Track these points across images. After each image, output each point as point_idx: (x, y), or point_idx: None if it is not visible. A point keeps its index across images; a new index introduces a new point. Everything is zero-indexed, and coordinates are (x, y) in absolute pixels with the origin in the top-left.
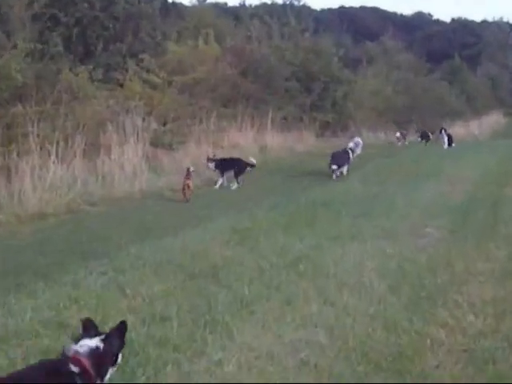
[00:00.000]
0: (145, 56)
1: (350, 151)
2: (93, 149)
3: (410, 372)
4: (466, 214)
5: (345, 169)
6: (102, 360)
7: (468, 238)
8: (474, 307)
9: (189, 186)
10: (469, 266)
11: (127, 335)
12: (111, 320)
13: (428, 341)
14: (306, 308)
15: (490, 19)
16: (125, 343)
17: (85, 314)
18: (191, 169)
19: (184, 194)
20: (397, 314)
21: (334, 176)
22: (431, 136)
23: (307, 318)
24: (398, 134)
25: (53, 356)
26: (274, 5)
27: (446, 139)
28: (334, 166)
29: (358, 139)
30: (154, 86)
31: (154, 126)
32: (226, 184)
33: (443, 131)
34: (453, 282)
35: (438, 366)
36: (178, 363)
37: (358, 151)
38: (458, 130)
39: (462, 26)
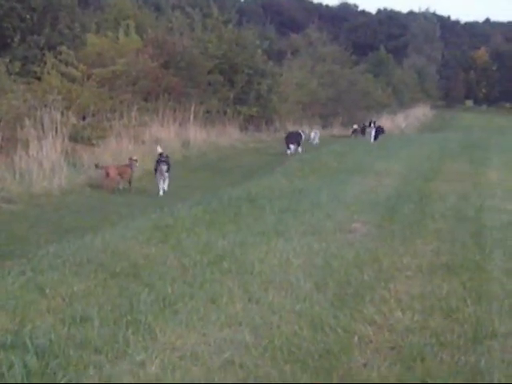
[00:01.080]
0: (63, 48)
1: (302, 133)
2: (10, 144)
3: (337, 370)
4: (393, 209)
5: (299, 148)
6: None
7: (395, 234)
8: (401, 303)
9: (108, 175)
10: (396, 261)
11: (47, 336)
12: (30, 321)
13: (355, 338)
14: (230, 306)
15: (416, 10)
16: None
17: (3, 315)
18: (134, 157)
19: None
20: (323, 311)
21: (289, 152)
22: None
23: (232, 317)
24: (355, 126)
25: None
26: None
27: (373, 132)
28: (292, 145)
29: (316, 130)
30: (72, 80)
31: (73, 120)
32: None
33: (372, 124)
34: (380, 277)
35: (365, 364)
36: (99, 365)
37: (317, 140)
38: (384, 122)
39: (387, 17)
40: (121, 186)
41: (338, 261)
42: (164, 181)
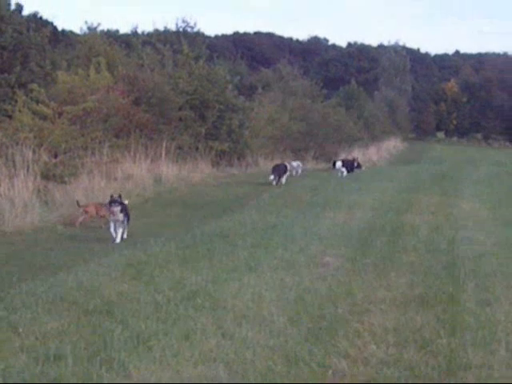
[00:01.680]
0: (34, 86)
1: (287, 165)
2: None
3: None
4: (365, 243)
5: (283, 178)
6: None
7: (368, 267)
8: (375, 336)
9: (87, 211)
10: (369, 294)
11: (20, 375)
12: (3, 360)
13: (330, 372)
14: (204, 343)
15: (386, 43)
16: None
17: None
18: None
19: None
20: (297, 345)
21: (274, 183)
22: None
23: (206, 353)
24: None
25: None
26: (166, 32)
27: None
28: (272, 177)
29: (298, 162)
30: (44, 117)
31: (45, 158)
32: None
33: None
34: (354, 311)
35: None
36: None
37: (299, 171)
38: (355, 155)
39: (358, 50)
40: (102, 225)
41: (312, 295)
42: (119, 225)
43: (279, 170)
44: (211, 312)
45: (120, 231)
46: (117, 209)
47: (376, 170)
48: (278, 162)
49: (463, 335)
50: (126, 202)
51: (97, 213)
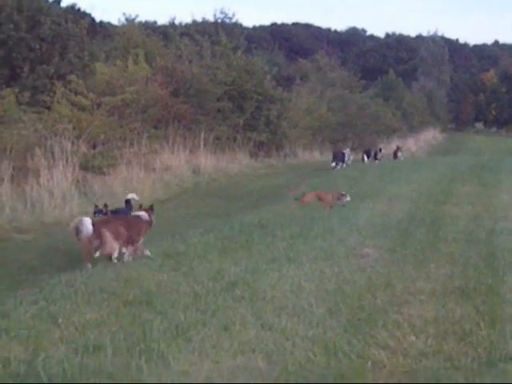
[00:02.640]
0: (73, 77)
1: (346, 153)
2: (20, 174)
3: None
4: (405, 234)
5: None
6: None
7: (408, 258)
8: (414, 327)
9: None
10: (409, 285)
11: (60, 365)
12: (43, 351)
13: (369, 363)
14: (243, 333)
15: (424, 34)
16: None
17: (16, 345)
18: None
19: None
20: (336, 336)
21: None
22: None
23: (245, 344)
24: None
25: None
26: (204, 23)
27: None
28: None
29: (348, 150)
30: (82, 109)
31: (84, 149)
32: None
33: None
34: (393, 302)
35: None
36: None
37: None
38: (394, 147)
39: (396, 41)
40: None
41: (351, 286)
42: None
43: (338, 157)
44: (250, 303)
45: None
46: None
47: (415, 160)
48: (336, 149)
49: (503, 327)
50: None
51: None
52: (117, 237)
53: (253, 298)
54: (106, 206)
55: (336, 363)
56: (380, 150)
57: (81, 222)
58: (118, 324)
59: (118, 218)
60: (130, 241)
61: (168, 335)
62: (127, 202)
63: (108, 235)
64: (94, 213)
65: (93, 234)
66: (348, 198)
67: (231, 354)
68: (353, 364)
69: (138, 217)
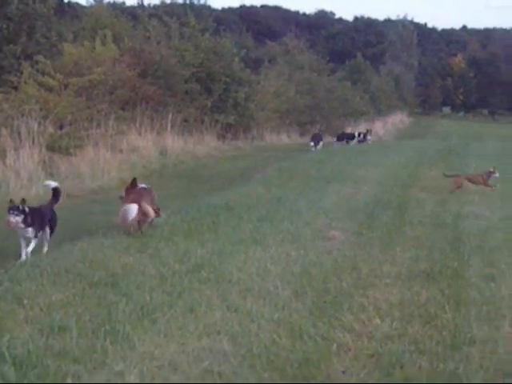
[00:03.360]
0: (40, 58)
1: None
2: None
3: (316, 378)
4: (371, 217)
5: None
6: None
7: (374, 241)
8: (380, 311)
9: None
10: (375, 268)
11: (25, 346)
12: (8, 331)
13: (334, 346)
14: (209, 315)
15: (393, 18)
16: None
17: None
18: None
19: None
20: (302, 319)
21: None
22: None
23: (210, 326)
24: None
25: None
26: (173, 4)
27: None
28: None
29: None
30: (49, 89)
31: (51, 130)
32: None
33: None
34: (358, 285)
35: (344, 372)
36: (78, 375)
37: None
38: (362, 130)
39: (365, 24)
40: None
41: (317, 268)
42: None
43: (317, 139)
44: (216, 285)
45: (26, 245)
46: (16, 219)
47: (382, 144)
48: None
49: (468, 310)
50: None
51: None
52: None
53: (219, 280)
54: (23, 201)
55: (301, 346)
56: (369, 132)
57: (127, 211)
58: (83, 305)
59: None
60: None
61: (133, 317)
62: (55, 189)
63: (151, 210)
64: (9, 209)
65: (137, 215)
66: (497, 174)
67: (196, 335)
68: (318, 347)
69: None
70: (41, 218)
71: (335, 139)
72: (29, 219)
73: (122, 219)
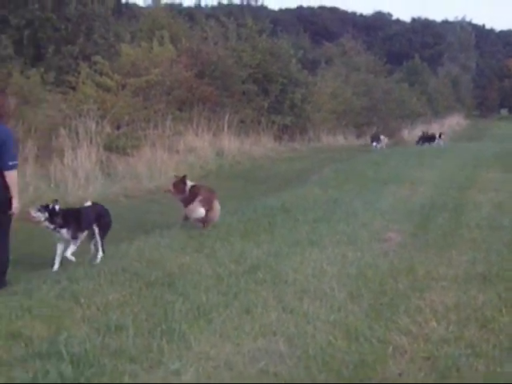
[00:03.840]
0: (98, 58)
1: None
2: (45, 154)
3: (372, 380)
4: (427, 219)
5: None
6: None
7: (430, 243)
8: (436, 313)
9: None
10: (431, 271)
11: (82, 345)
12: (65, 330)
13: (390, 348)
14: (265, 316)
15: (450, 19)
16: None
17: (38, 324)
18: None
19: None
20: (358, 321)
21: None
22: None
23: (266, 327)
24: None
25: (5, 368)
26: (230, 5)
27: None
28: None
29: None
30: (107, 89)
31: (108, 130)
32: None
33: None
34: (415, 287)
35: (400, 374)
36: (134, 374)
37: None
38: (418, 132)
39: (422, 25)
40: None
41: (373, 270)
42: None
43: (376, 138)
44: (272, 286)
45: (64, 249)
46: (37, 214)
47: (438, 146)
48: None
49: None
50: (89, 203)
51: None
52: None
53: (275, 281)
54: (55, 201)
55: (357, 347)
56: (440, 136)
57: (195, 211)
58: (139, 305)
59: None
60: None
61: (190, 317)
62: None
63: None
64: (43, 208)
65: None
66: None
67: (252, 336)
68: (374, 349)
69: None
70: (79, 219)
71: (417, 140)
72: (58, 219)
73: (194, 214)
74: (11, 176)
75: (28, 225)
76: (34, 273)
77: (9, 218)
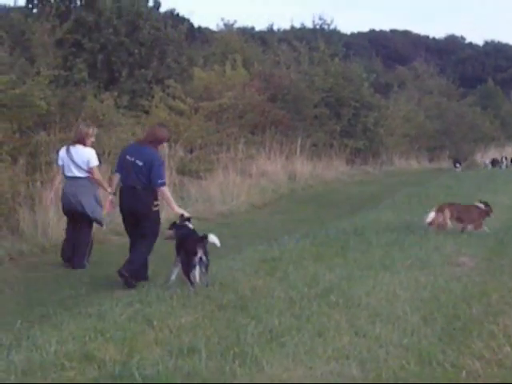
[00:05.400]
0: (171, 82)
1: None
2: None
3: None
4: (501, 243)
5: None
6: None
7: (504, 268)
8: (510, 338)
9: None
10: (505, 295)
11: (155, 368)
12: (138, 352)
13: (463, 373)
14: (337, 340)
15: None
16: None
17: (111, 346)
18: None
19: None
20: (431, 345)
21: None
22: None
23: (339, 350)
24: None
25: None
26: (303, 29)
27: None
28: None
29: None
30: (180, 113)
31: (181, 153)
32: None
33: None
34: (488, 312)
35: None
36: None
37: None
38: (491, 155)
39: (495, 49)
40: None
41: (446, 294)
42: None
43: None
44: (345, 309)
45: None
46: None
47: None
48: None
49: None
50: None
51: None
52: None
53: (347, 304)
54: (188, 219)
55: (430, 372)
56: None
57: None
58: (212, 328)
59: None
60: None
61: (262, 340)
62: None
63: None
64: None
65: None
66: None
67: (325, 360)
68: (447, 373)
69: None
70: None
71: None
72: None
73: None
74: (162, 191)
75: (103, 247)
76: (107, 294)
77: (158, 228)
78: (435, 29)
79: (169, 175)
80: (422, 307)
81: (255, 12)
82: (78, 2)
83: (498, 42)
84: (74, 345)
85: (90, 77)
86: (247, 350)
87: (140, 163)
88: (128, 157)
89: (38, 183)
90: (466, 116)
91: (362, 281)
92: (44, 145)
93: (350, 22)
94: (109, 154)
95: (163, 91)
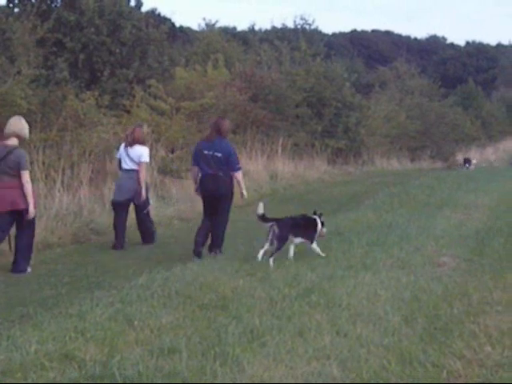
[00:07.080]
0: (152, 82)
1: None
2: (99, 176)
3: None
4: (482, 243)
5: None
6: None
7: (485, 268)
8: (491, 338)
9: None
10: (486, 295)
11: (135, 368)
12: (118, 352)
13: (444, 373)
14: (318, 340)
15: (505, 43)
16: None
17: (91, 346)
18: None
19: None
20: (412, 345)
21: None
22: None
23: (320, 350)
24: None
25: None
26: (284, 29)
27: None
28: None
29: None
30: (161, 113)
31: (162, 153)
32: None
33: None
34: (469, 312)
35: None
36: None
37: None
38: (473, 156)
39: (476, 49)
40: None
41: (427, 294)
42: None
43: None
44: (326, 309)
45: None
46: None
47: (493, 170)
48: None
49: None
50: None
51: None
52: None
53: (328, 304)
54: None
55: (411, 372)
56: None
57: None
58: (193, 327)
59: None
60: None
61: (243, 340)
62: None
63: None
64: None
65: None
66: None
67: (306, 359)
68: (428, 373)
69: None
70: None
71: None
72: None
73: None
74: (238, 175)
75: (82, 247)
76: (87, 294)
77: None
78: (417, 29)
79: (150, 175)
80: (403, 307)
81: (237, 12)
82: (60, 1)
83: (480, 43)
84: (54, 345)
85: (72, 76)
86: (228, 349)
87: (219, 154)
88: (206, 151)
89: None
90: (447, 116)
91: (344, 281)
92: (25, 144)
93: (331, 22)
94: (90, 154)
95: (144, 91)
